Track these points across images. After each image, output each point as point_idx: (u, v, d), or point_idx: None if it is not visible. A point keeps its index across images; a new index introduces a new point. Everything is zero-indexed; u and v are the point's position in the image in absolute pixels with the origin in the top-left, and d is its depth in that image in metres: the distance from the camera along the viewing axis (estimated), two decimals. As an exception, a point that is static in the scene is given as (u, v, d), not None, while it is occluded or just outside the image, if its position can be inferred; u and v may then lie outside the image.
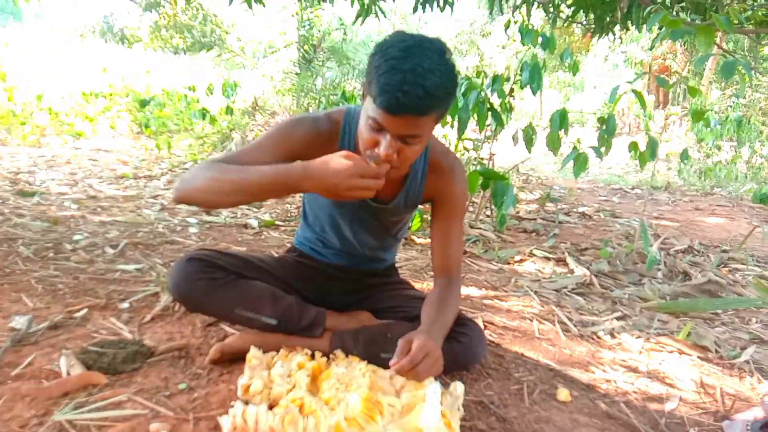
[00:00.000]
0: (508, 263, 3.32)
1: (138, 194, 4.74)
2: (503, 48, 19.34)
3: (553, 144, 3.31)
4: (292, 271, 1.91)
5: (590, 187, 7.52)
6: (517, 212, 4.92)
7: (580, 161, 3.14)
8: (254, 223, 3.79)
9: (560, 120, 3.24)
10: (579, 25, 5.09)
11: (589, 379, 1.83)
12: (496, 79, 3.63)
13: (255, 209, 4.40)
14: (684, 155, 4.00)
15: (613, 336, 2.25)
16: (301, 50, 8.42)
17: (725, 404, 1.74)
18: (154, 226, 3.51)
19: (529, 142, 3.51)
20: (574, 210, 5.33)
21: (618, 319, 2.46)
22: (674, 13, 3.81)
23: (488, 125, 3.70)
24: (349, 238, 1.88)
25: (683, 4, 3.86)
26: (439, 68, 1.31)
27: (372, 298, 1.95)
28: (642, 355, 2.08)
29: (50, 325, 1.87)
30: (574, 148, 3.20)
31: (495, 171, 3.37)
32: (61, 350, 1.68)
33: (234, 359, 1.65)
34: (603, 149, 3.19)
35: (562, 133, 3.30)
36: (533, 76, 3.54)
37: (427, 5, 4.45)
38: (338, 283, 1.95)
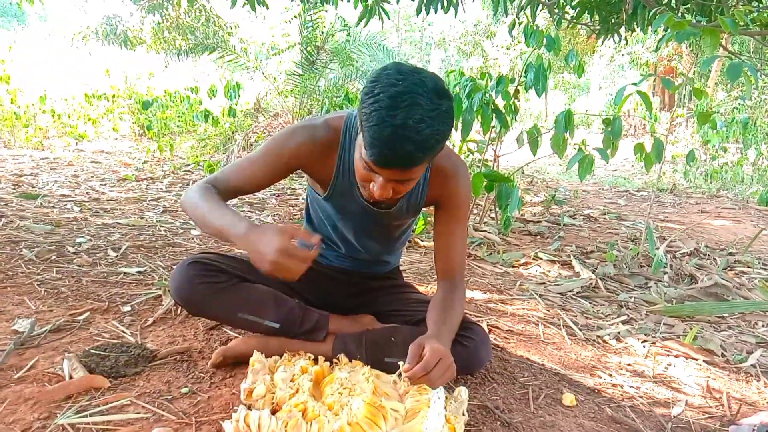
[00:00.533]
0: (513, 266, 3.31)
1: (140, 196, 4.74)
2: (507, 49, 19.31)
3: (559, 146, 3.30)
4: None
5: (596, 189, 7.50)
6: (522, 215, 4.91)
7: (585, 163, 3.12)
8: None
9: (565, 122, 3.23)
10: (584, 27, 5.07)
11: (595, 383, 1.81)
12: (501, 81, 3.62)
13: (257, 212, 4.39)
14: (690, 157, 3.98)
15: (618, 340, 2.23)
16: (304, 52, 8.41)
17: (732, 409, 1.72)
18: (157, 228, 3.51)
19: (534, 144, 3.49)
20: (580, 212, 5.32)
21: (624, 322, 2.44)
22: (679, 14, 3.79)
23: (493, 127, 3.69)
24: (352, 242, 1.87)
25: (689, 5, 3.84)
26: (431, 116, 1.26)
27: (375, 301, 1.94)
28: (648, 359, 2.06)
29: (53, 328, 1.87)
30: (580, 150, 3.19)
31: (499, 173, 3.36)
32: (64, 353, 1.67)
33: (237, 363, 1.64)
34: (608, 151, 3.18)
35: (567, 134, 3.28)
36: (538, 78, 3.53)
37: (431, 7, 4.44)
38: (341, 287, 1.94)
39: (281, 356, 1.59)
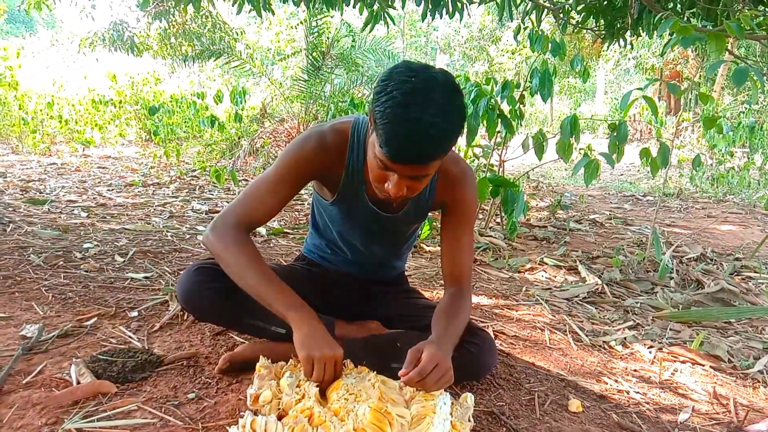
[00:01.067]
0: (519, 272, 3.30)
1: (147, 202, 4.76)
2: (513, 54, 19.32)
3: (564, 151, 3.29)
4: (300, 279, 1.90)
5: (601, 194, 7.49)
6: (528, 220, 4.90)
7: (591, 168, 3.12)
8: (263, 231, 3.79)
9: (571, 126, 3.23)
10: (589, 31, 5.07)
11: (601, 389, 1.81)
12: (506, 86, 3.63)
13: (264, 216, 4.40)
14: (696, 162, 3.97)
15: (625, 346, 2.22)
16: (310, 57, 8.43)
17: (738, 415, 1.72)
18: (163, 234, 3.52)
19: (539, 149, 3.49)
20: (586, 217, 5.31)
21: (630, 328, 2.43)
22: (685, 19, 3.79)
23: (498, 132, 3.69)
24: (358, 247, 1.87)
25: (694, 10, 3.84)
26: (444, 113, 1.28)
27: (381, 306, 1.94)
28: (654, 365, 2.06)
29: (60, 334, 1.87)
30: (585, 154, 3.18)
31: (505, 178, 3.36)
32: (71, 359, 1.68)
33: (243, 369, 1.64)
34: (614, 156, 3.17)
35: (572, 139, 3.28)
36: (543, 83, 3.53)
37: (437, 12, 4.45)
38: (347, 292, 1.94)
39: (287, 361, 1.59)
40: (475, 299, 2.68)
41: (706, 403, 1.78)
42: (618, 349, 2.19)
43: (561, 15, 4.55)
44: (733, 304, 2.87)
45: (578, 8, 4.39)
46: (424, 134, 1.26)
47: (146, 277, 2.60)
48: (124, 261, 2.84)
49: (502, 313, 2.51)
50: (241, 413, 1.31)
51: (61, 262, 2.71)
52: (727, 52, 3.76)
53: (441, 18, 4.59)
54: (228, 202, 1.88)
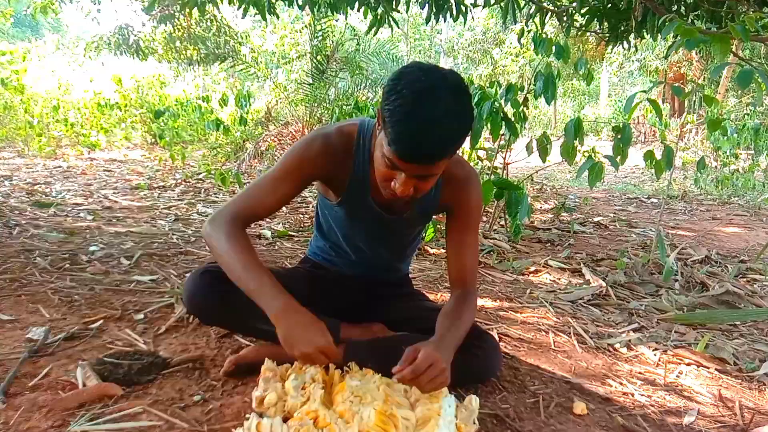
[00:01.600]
0: (523, 274, 3.30)
1: (152, 205, 4.78)
2: (516, 57, 19.29)
3: (568, 153, 3.29)
4: (305, 282, 1.90)
5: (606, 196, 7.48)
6: (532, 222, 4.90)
7: (595, 170, 3.12)
8: (268, 233, 3.80)
9: (575, 129, 3.23)
10: (593, 34, 5.07)
11: (606, 392, 1.81)
12: (510, 89, 3.63)
13: (268, 220, 4.41)
14: (700, 164, 3.97)
15: (629, 348, 2.22)
16: (314, 61, 8.45)
17: (744, 418, 1.71)
18: (169, 236, 3.53)
19: (543, 152, 3.49)
20: (590, 220, 5.30)
21: (635, 330, 2.43)
22: (689, 21, 3.78)
23: (502, 135, 3.70)
24: (362, 249, 1.88)
25: (698, 12, 3.83)
26: (453, 112, 1.30)
27: (386, 309, 1.94)
28: (659, 368, 2.05)
29: (67, 336, 1.88)
30: (590, 157, 3.18)
31: (509, 180, 3.36)
32: (78, 361, 1.69)
33: (248, 371, 1.65)
34: (618, 158, 3.18)
35: (576, 142, 3.28)
36: (547, 86, 3.53)
37: (441, 15, 4.46)
38: (352, 294, 1.94)
39: (292, 364, 1.59)
40: (479, 302, 2.68)
41: (712, 406, 1.78)
42: (623, 351, 2.19)
43: (565, 18, 4.55)
44: (738, 307, 2.86)
45: (582, 11, 4.40)
46: (434, 134, 1.28)
47: (152, 280, 2.61)
48: (129, 264, 2.85)
49: (507, 316, 2.51)
50: (247, 415, 1.31)
51: (67, 265, 2.73)
52: (731, 54, 3.75)
53: (445, 21, 4.60)
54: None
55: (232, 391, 1.58)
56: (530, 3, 4.55)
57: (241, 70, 9.04)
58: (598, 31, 4.72)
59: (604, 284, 3.03)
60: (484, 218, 4.38)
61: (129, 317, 2.13)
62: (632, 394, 1.80)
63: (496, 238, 4.04)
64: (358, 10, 4.67)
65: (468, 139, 3.57)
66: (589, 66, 4.00)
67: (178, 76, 15.18)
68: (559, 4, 4.73)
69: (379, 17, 4.58)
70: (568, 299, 2.83)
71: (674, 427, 1.61)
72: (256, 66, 8.93)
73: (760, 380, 2.00)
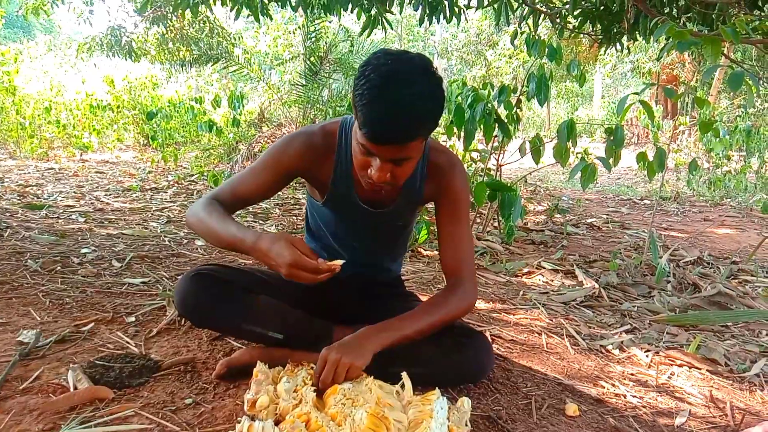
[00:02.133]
0: (516, 276, 3.31)
1: (144, 207, 4.76)
2: (510, 58, 19.35)
3: (561, 155, 3.30)
4: (297, 284, 1.90)
5: (599, 198, 7.50)
6: (525, 224, 4.91)
7: (588, 172, 3.13)
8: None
9: (568, 131, 3.24)
10: (586, 36, 5.09)
11: (598, 393, 1.81)
12: (503, 90, 3.64)
13: (261, 221, 4.40)
14: (693, 166, 3.98)
15: (622, 349, 2.23)
16: (308, 62, 8.44)
17: (735, 418, 1.72)
18: (161, 239, 3.52)
19: (536, 153, 3.50)
20: (583, 221, 5.32)
21: (627, 332, 2.44)
22: (681, 23, 3.80)
23: (495, 136, 3.70)
24: (352, 247, 1.87)
25: (690, 14, 3.85)
26: (422, 92, 1.31)
27: (378, 311, 1.93)
28: (651, 369, 2.06)
29: (58, 339, 1.87)
30: (582, 158, 3.19)
31: (502, 182, 3.37)
32: (69, 364, 1.68)
33: (240, 374, 1.64)
34: (611, 160, 3.18)
35: (569, 143, 3.29)
36: (540, 87, 3.54)
37: (434, 17, 4.46)
38: (344, 296, 1.94)
39: (285, 366, 1.59)
40: (472, 303, 2.68)
41: (703, 407, 1.79)
42: (615, 352, 2.19)
43: (558, 19, 4.57)
44: (729, 308, 2.88)
45: (575, 13, 4.41)
46: (402, 113, 1.28)
47: (144, 282, 2.60)
48: (121, 266, 2.84)
49: (500, 317, 2.52)
50: (238, 418, 1.31)
51: (59, 268, 2.71)
52: (723, 57, 3.77)
53: (438, 23, 4.61)
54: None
55: (224, 394, 1.58)
56: (523, 5, 4.56)
57: (234, 71, 9.01)
58: (591, 33, 4.73)
59: (596, 286, 3.04)
60: (478, 220, 4.39)
61: (120, 320, 2.12)
62: (624, 396, 1.81)
63: (489, 240, 4.04)
64: (352, 12, 4.67)
65: (462, 140, 3.58)
66: (582, 68, 4.01)
67: (170, 77, 15.15)
68: (552, 6, 4.75)
69: (372, 18, 4.58)
70: (560, 301, 2.84)
71: (666, 428, 1.62)
72: (249, 67, 8.91)
73: (751, 381, 2.01)
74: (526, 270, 3.41)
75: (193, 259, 3.09)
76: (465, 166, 4.45)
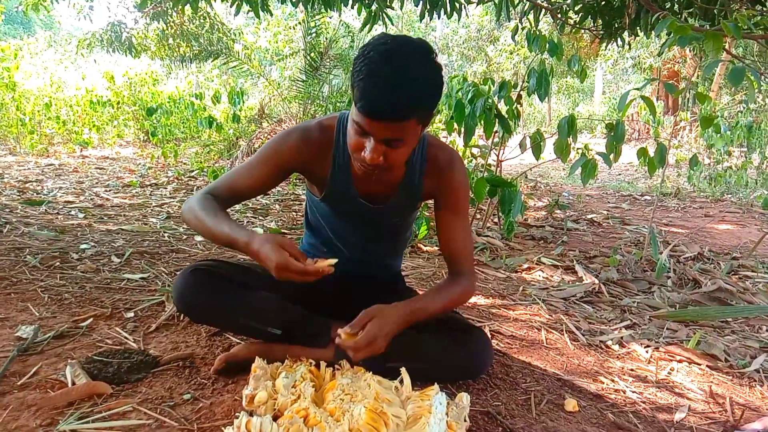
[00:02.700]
0: (516, 271, 3.30)
1: (144, 203, 4.76)
2: (510, 54, 19.32)
3: (562, 150, 3.29)
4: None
5: (599, 193, 7.49)
6: (525, 219, 4.91)
7: (588, 168, 3.12)
8: (260, 231, 3.79)
9: (568, 126, 3.23)
10: (587, 31, 5.07)
11: (598, 388, 1.81)
12: (504, 86, 3.63)
13: (261, 217, 4.40)
14: (693, 161, 3.97)
15: (621, 345, 2.22)
16: (308, 58, 8.43)
17: (735, 414, 1.72)
18: (160, 234, 3.52)
19: (537, 149, 3.49)
20: (583, 217, 5.31)
21: (627, 327, 2.43)
22: (682, 18, 3.79)
23: (495, 132, 3.70)
24: (351, 243, 1.87)
25: (692, 9, 3.84)
26: (421, 71, 1.31)
27: (378, 306, 1.93)
28: (651, 365, 2.05)
29: (56, 335, 1.87)
30: (583, 154, 3.18)
31: (502, 178, 3.36)
32: (67, 360, 1.68)
33: (239, 369, 1.64)
34: (612, 156, 3.18)
35: (570, 139, 3.28)
36: (541, 83, 3.53)
37: (435, 12, 4.45)
38: (343, 292, 1.93)
39: (283, 362, 1.59)
40: (472, 299, 2.68)
41: (703, 402, 1.78)
42: (615, 348, 2.19)
43: (559, 15, 4.56)
44: (730, 304, 2.87)
45: (576, 8, 4.40)
46: (398, 88, 1.28)
47: (143, 278, 2.59)
48: (120, 262, 2.84)
49: (499, 313, 2.51)
50: (237, 414, 1.31)
51: (58, 263, 2.71)
52: (724, 52, 3.76)
53: (439, 18, 4.60)
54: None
55: (223, 389, 1.57)
56: (524, 0, 4.55)
57: (234, 67, 9.00)
58: (592, 28, 4.72)
59: (596, 281, 3.04)
60: (478, 216, 4.39)
61: (119, 315, 2.12)
62: (624, 391, 1.81)
63: (489, 236, 4.04)
64: (352, 7, 4.65)
65: (462, 136, 3.57)
66: (582, 63, 4.00)
67: (170, 73, 15.13)
68: (553, 1, 4.73)
69: (373, 14, 4.57)
70: (560, 296, 2.83)
71: (665, 423, 1.61)
72: (250, 63, 8.90)
73: (750, 377, 2.01)
74: (526, 266, 3.40)
75: (192, 255, 3.09)
76: (465, 161, 4.46)
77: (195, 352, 1.80)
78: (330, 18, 9.24)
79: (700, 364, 2.08)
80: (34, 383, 1.54)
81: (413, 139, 1.42)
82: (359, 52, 1.35)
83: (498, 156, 4.27)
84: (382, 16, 4.60)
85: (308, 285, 1.82)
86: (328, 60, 8.38)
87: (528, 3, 4.55)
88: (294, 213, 4.67)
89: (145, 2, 7.54)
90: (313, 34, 8.52)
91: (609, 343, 2.23)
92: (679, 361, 2.10)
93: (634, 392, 1.80)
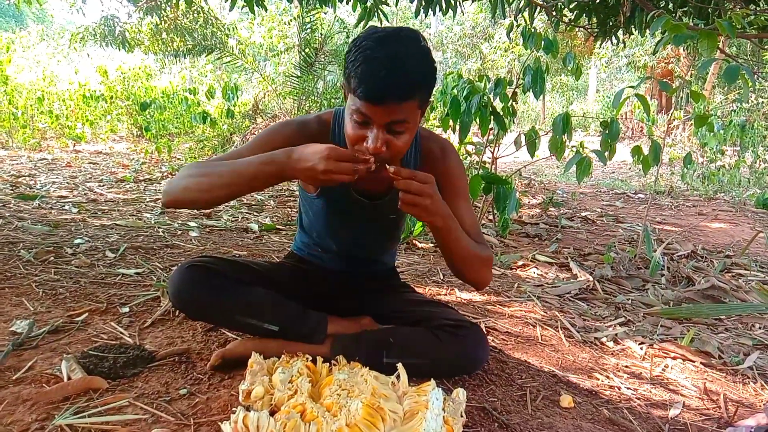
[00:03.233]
0: (511, 268, 3.31)
1: (138, 198, 4.74)
2: (505, 51, 19.33)
3: (556, 148, 3.30)
4: (291, 276, 1.90)
5: (593, 191, 7.51)
6: (520, 217, 4.92)
7: (583, 165, 3.12)
8: (255, 227, 3.78)
9: (563, 124, 3.24)
10: (582, 29, 5.08)
11: (592, 385, 1.82)
12: (499, 83, 3.63)
13: (255, 213, 4.39)
14: (687, 160, 3.99)
15: (616, 342, 2.23)
16: (303, 53, 8.41)
17: (728, 410, 1.73)
18: (155, 229, 3.51)
19: (531, 147, 3.50)
20: (577, 214, 5.32)
21: (621, 324, 2.44)
22: (677, 17, 3.80)
23: (491, 129, 3.70)
24: (345, 240, 1.87)
25: (686, 8, 3.85)
26: (416, 53, 1.34)
27: (373, 302, 1.94)
28: (645, 361, 2.07)
29: (51, 329, 1.86)
30: (577, 152, 3.19)
31: (497, 175, 3.36)
32: (62, 354, 1.67)
33: (235, 365, 1.64)
34: (606, 153, 3.18)
35: (565, 137, 3.29)
36: (536, 80, 3.53)
37: (430, 9, 4.45)
38: (338, 288, 1.94)
39: (280, 358, 1.59)
40: (466, 296, 2.68)
41: (697, 399, 1.79)
42: (609, 345, 2.20)
43: (554, 12, 4.56)
44: (723, 301, 2.89)
45: (571, 6, 4.40)
46: (396, 70, 1.30)
47: (137, 273, 2.59)
48: (115, 257, 2.83)
49: (494, 310, 2.52)
50: (233, 409, 1.31)
51: (52, 258, 2.70)
52: (718, 51, 3.77)
53: (434, 15, 4.59)
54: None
55: (219, 384, 1.57)
56: (519, -3, 4.55)
57: (229, 62, 8.97)
58: (587, 26, 4.72)
59: (591, 278, 3.05)
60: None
61: (114, 310, 2.11)
62: (618, 388, 1.81)
63: (484, 233, 4.04)
64: (347, 3, 4.65)
65: (457, 133, 3.58)
66: (577, 61, 4.00)
67: (164, 67, 15.07)
68: (548, -2, 4.73)
69: (368, 10, 4.57)
70: (555, 293, 2.84)
71: (660, 419, 1.62)
72: (244, 58, 8.87)
73: (744, 373, 2.02)
74: (520, 263, 3.41)
75: (187, 250, 3.08)
76: (460, 158, 4.46)
77: (191, 347, 1.80)
78: (325, 14, 9.21)
79: (694, 361, 2.09)
80: (30, 378, 1.53)
81: (414, 123, 1.42)
82: (351, 45, 1.37)
83: (493, 153, 4.27)
84: (378, 12, 4.59)
85: (305, 279, 1.82)
86: (322, 56, 8.36)
87: (523, 0, 4.55)
88: (289, 209, 4.67)
89: (139, -4, 7.50)
90: (308, 30, 8.51)
91: (604, 339, 2.24)
92: (674, 358, 2.11)
93: (628, 389, 1.81)
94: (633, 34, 4.59)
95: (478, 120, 3.49)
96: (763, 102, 11.29)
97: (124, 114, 11.64)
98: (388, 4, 4.66)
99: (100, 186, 5.28)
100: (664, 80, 3.19)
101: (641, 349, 2.17)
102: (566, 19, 4.71)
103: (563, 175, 8.60)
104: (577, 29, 5.23)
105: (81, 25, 10.94)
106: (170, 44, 10.67)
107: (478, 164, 4.25)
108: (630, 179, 9.01)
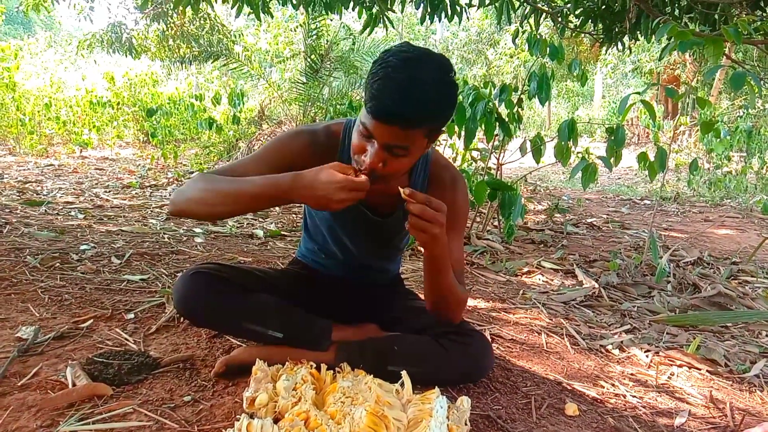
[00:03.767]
0: (516, 275, 3.30)
1: (144, 204, 4.76)
2: (511, 57, 19.35)
3: (562, 154, 3.30)
4: (296, 283, 1.90)
5: (599, 197, 7.50)
6: (525, 223, 4.91)
7: (588, 172, 3.12)
8: (260, 233, 3.79)
9: (569, 130, 3.23)
10: (587, 35, 5.08)
11: (598, 393, 1.81)
12: (504, 89, 3.63)
13: (261, 219, 4.40)
14: (693, 166, 3.98)
15: (621, 349, 2.22)
16: (308, 60, 8.44)
17: (735, 419, 1.72)
18: (160, 236, 3.52)
19: (537, 153, 3.49)
20: (583, 221, 5.31)
21: (627, 332, 2.43)
22: (683, 23, 3.80)
23: (496, 135, 3.70)
24: (350, 249, 1.87)
25: (692, 14, 3.85)
26: (435, 83, 1.31)
27: (378, 309, 1.94)
28: (651, 369, 2.05)
29: (56, 336, 1.87)
30: (583, 158, 3.19)
31: (503, 181, 3.36)
32: (67, 361, 1.67)
33: (239, 372, 1.63)
34: (612, 160, 3.18)
35: (570, 143, 3.29)
36: (541, 87, 3.53)
37: (436, 15, 4.46)
38: (343, 295, 1.93)
39: (284, 365, 1.59)
40: (471, 302, 2.68)
41: (703, 407, 1.78)
42: (615, 352, 2.19)
43: (559, 19, 4.56)
44: (729, 308, 2.87)
45: (576, 12, 4.40)
46: (411, 94, 1.28)
47: (143, 279, 2.59)
48: (120, 263, 2.84)
49: (499, 317, 2.51)
50: (237, 416, 1.31)
51: (58, 264, 2.71)
52: (724, 57, 3.76)
53: (440, 21, 4.61)
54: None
55: (223, 391, 1.57)
56: (525, 3, 4.56)
57: (235, 68, 9.00)
58: (593, 32, 4.72)
59: (596, 285, 3.04)
60: (478, 219, 4.38)
61: (119, 317, 2.11)
62: (624, 396, 1.80)
63: (489, 239, 4.04)
64: (353, 10, 4.66)
65: (462, 139, 3.57)
66: (583, 67, 4.00)
67: (170, 74, 15.14)
68: (553, 5, 4.74)
69: (373, 17, 4.58)
70: (560, 300, 2.84)
71: (665, 428, 1.61)
72: (250, 64, 8.90)
73: (750, 382, 2.01)
74: (526, 269, 3.40)
75: (192, 257, 3.09)
76: (465, 164, 4.46)
77: (195, 354, 1.80)
78: (331, 20, 9.25)
79: (700, 369, 2.08)
80: (35, 384, 1.53)
81: (417, 152, 1.41)
82: (379, 56, 1.35)
83: (498, 159, 4.27)
84: (383, 19, 4.60)
85: (310, 287, 1.82)
86: (328, 62, 8.39)
87: (529, 7, 4.56)
88: (294, 215, 4.67)
89: (146, 3, 7.54)
90: (314, 37, 8.53)
91: (609, 347, 2.23)
92: (679, 366, 2.10)
93: (634, 397, 1.80)
94: (639, 40, 4.59)
95: (483, 126, 3.49)
96: (769, 108, 11.25)
97: (131, 120, 11.69)
98: (393, 11, 4.67)
99: (106, 192, 5.30)
100: (670, 86, 3.19)
101: (647, 356, 2.16)
102: (572, 26, 4.71)
103: (569, 181, 8.59)
104: (582, 35, 5.23)
105: (88, 32, 10.99)
106: (177, 51, 10.71)
107: (483, 170, 4.24)
108: (636, 185, 8.99)
